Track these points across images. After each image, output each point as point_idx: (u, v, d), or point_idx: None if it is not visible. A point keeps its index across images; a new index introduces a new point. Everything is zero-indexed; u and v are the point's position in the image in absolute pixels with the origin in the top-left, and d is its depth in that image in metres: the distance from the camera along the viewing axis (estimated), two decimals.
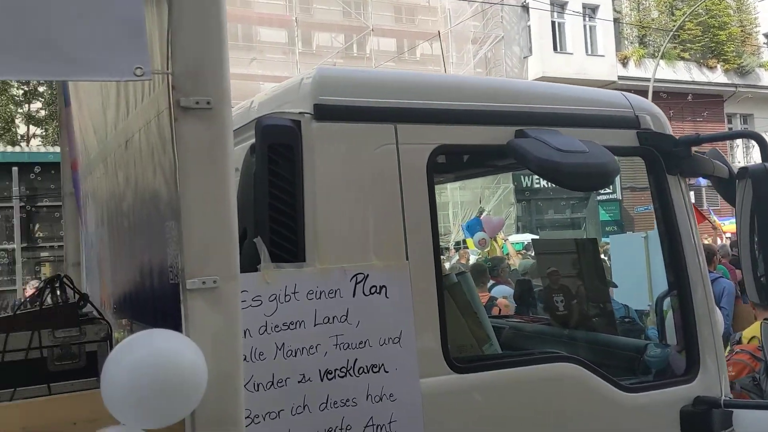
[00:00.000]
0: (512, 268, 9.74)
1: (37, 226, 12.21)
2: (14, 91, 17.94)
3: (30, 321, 2.54)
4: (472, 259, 11.61)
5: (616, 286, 6.00)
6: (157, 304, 2.25)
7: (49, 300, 2.71)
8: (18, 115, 18.20)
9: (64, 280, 2.84)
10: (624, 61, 27.45)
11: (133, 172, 2.48)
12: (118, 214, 2.79)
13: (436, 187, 2.66)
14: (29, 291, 8.35)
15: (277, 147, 2.19)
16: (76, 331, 2.57)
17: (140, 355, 1.46)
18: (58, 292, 2.81)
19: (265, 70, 21.46)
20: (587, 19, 26.88)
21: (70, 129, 4.10)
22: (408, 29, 25.45)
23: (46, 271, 12.12)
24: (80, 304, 2.79)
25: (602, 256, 5.85)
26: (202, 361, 1.55)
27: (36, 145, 16.95)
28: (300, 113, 2.27)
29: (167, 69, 1.73)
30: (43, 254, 12.35)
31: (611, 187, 22.24)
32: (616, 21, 27.44)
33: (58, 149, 14.01)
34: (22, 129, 18.33)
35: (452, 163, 3.53)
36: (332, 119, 2.29)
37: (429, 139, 2.46)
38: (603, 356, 3.26)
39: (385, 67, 21.94)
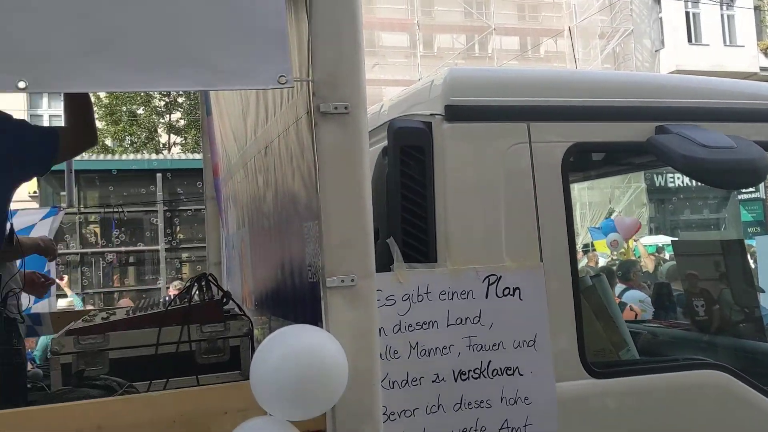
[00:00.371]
0: (643, 271, 9.33)
1: (178, 228, 13.01)
2: (156, 103, 19.22)
3: (179, 316, 2.72)
4: (602, 262, 11.21)
5: (763, 291, 5.61)
6: (296, 302, 2.34)
7: (196, 297, 2.88)
8: (160, 125, 19.48)
9: (209, 278, 3.01)
10: (766, 52, 25.60)
11: (272, 176, 2.59)
12: (259, 216, 2.93)
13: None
14: (172, 291, 8.91)
15: (409, 149, 2.23)
16: (221, 326, 2.72)
17: (288, 349, 1.53)
18: (202, 290, 2.99)
19: (386, 75, 21.80)
20: (725, 8, 25.29)
21: (212, 137, 4.34)
22: (531, 26, 24.99)
23: (186, 271, 12.89)
24: (223, 301, 2.96)
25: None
26: (343, 356, 1.60)
27: (177, 153, 18.06)
28: (431, 115, 2.29)
29: (308, 76, 1.80)
30: (184, 255, 13.13)
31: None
32: (756, 9, 25.64)
33: (197, 156, 14.81)
34: (164, 138, 19.60)
35: (587, 162, 3.44)
36: (463, 120, 2.29)
37: (564, 136, 2.41)
38: (751, 364, 3.06)
39: (508, 65, 21.66)
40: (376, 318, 1.79)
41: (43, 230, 5.31)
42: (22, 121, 2.45)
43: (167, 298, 3.82)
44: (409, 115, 2.35)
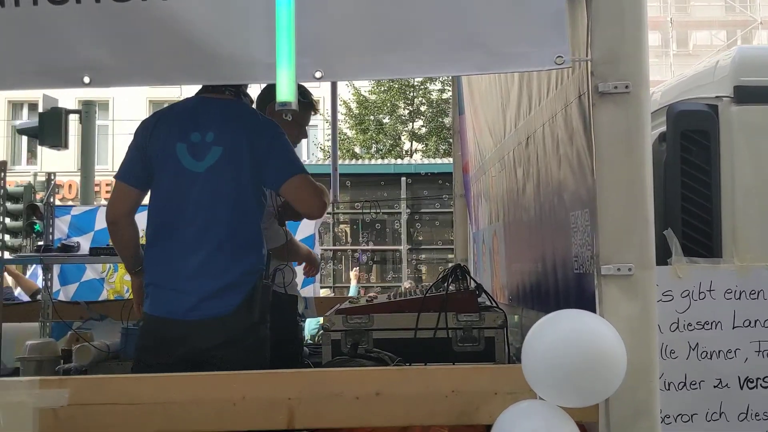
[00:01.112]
0: None
1: (419, 230, 13.50)
2: (401, 111, 20.13)
3: (437, 304, 2.79)
4: None
5: None
6: (557, 294, 2.28)
7: (451, 287, 2.94)
8: (404, 133, 20.37)
9: (463, 268, 3.06)
10: None
11: (533, 167, 2.56)
12: (515, 209, 2.92)
13: None
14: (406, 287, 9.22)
15: (691, 134, 2.07)
16: (477, 316, 2.74)
17: (565, 332, 1.49)
18: (457, 280, 3.04)
19: None
20: None
21: (464, 135, 4.43)
22: None
23: (425, 271, 13.32)
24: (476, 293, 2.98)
25: None
26: (622, 345, 1.52)
27: (418, 159, 18.75)
28: (717, 97, 2.11)
29: (586, 56, 1.75)
30: (423, 256, 13.59)
31: None
32: None
33: (436, 161, 15.18)
34: (406, 145, 20.46)
35: None
36: (756, 102, 2.08)
37: None
38: None
39: None
40: (654, 311, 1.68)
41: (309, 225, 5.77)
42: (284, 137, 2.56)
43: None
44: (691, 99, 2.18)
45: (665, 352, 1.95)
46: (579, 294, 2.04)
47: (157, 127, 2.51)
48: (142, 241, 2.62)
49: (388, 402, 1.62)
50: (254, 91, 2.91)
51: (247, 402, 1.60)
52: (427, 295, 2.83)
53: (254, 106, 2.84)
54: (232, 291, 2.40)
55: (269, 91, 3.09)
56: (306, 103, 3.07)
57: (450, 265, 3.64)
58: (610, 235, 1.68)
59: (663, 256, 2.05)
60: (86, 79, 1.66)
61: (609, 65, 1.71)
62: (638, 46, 1.72)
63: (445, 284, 2.86)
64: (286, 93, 1.59)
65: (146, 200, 2.57)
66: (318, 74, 1.69)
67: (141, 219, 2.59)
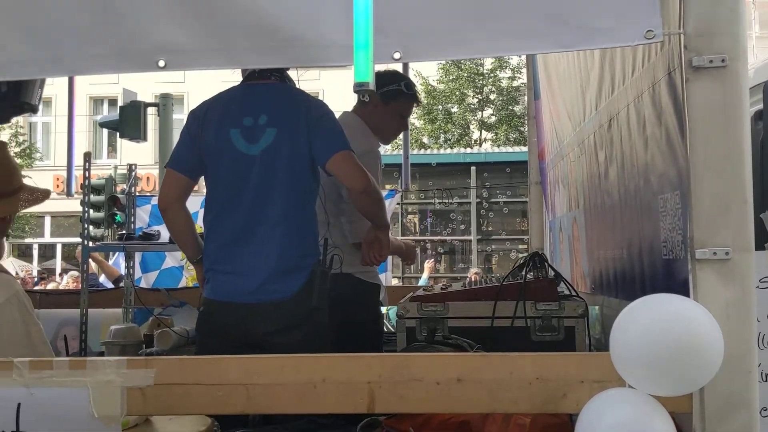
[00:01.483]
0: None
1: (489, 220, 13.35)
2: (470, 100, 19.91)
3: (514, 292, 2.73)
4: None
5: None
6: (645, 281, 2.20)
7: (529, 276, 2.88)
8: (473, 122, 20.16)
9: (541, 256, 2.99)
10: None
11: (617, 149, 2.47)
12: (597, 195, 2.83)
13: None
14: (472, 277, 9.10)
15: None
16: (556, 305, 2.67)
17: (657, 315, 1.42)
18: (535, 268, 2.96)
19: None
20: None
21: (539, 120, 4.33)
22: None
23: (495, 262, 13.17)
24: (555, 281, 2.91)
25: None
26: (719, 332, 1.44)
27: (488, 148, 18.52)
28: None
29: (678, 29, 1.66)
30: (493, 246, 13.44)
31: None
32: None
33: (507, 149, 14.95)
34: (475, 134, 20.26)
35: None
36: None
37: None
38: None
39: None
40: (753, 296, 1.58)
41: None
42: (333, 115, 2.57)
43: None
44: None
45: (762, 342, 1.84)
46: (668, 280, 1.95)
47: (208, 116, 2.54)
48: (201, 230, 2.68)
49: (469, 388, 1.59)
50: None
51: (328, 384, 1.60)
52: (504, 283, 2.78)
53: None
54: (291, 275, 2.42)
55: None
56: (410, 95, 3.08)
57: (524, 254, 3.56)
58: (705, 217, 1.59)
59: (759, 241, 1.93)
60: (161, 63, 1.66)
61: (704, 38, 1.61)
62: (735, 18, 1.62)
63: (523, 272, 2.81)
64: (363, 73, 1.57)
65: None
66: (397, 55, 1.66)
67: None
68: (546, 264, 2.93)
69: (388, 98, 3.07)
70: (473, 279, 3.44)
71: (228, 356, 1.66)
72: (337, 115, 3.15)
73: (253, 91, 2.54)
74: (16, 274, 11.59)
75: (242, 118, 2.47)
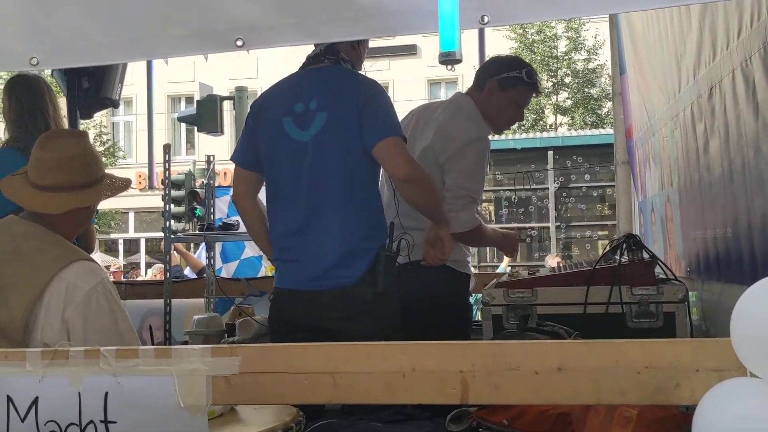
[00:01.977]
0: None
1: (567, 206, 12.99)
2: (544, 84, 19.45)
3: (607, 276, 2.58)
4: None
5: None
6: (755, 262, 2.02)
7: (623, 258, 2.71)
8: (547, 106, 19.69)
9: (635, 238, 2.81)
10: None
11: (720, 120, 2.28)
12: (695, 171, 2.63)
13: None
14: (551, 262, 8.78)
15: None
16: (654, 290, 2.51)
17: None
18: (630, 251, 2.80)
19: None
20: None
21: (626, 97, 4.11)
22: None
23: (577, 249, 12.80)
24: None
25: None
26: None
27: (563, 132, 18.06)
28: None
29: None
30: (573, 233, 13.07)
31: None
32: None
33: (586, 132, 14.44)
34: (550, 119, 19.79)
35: None
36: None
37: None
38: None
39: None
40: None
41: None
42: (385, 97, 2.47)
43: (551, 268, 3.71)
44: None
45: None
46: None
47: (263, 107, 2.54)
48: None
49: (571, 378, 1.47)
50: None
51: (417, 374, 1.51)
52: (597, 267, 2.62)
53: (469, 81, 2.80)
54: (354, 259, 2.37)
55: (489, 66, 2.98)
56: (530, 84, 2.91)
57: (605, 239, 3.38)
58: None
59: None
60: (239, 42, 1.62)
61: None
62: None
63: (617, 255, 2.65)
64: (449, 41, 1.46)
65: None
66: (485, 19, 1.55)
67: None
68: (641, 246, 2.76)
69: (506, 85, 2.89)
70: (559, 264, 3.29)
71: (312, 344, 1.59)
72: (414, 105, 3.04)
73: (306, 76, 2.51)
74: (107, 268, 12.05)
75: (294, 105, 2.44)
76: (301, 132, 2.43)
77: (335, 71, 2.48)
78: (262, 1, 1.62)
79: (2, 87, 3.47)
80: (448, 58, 1.52)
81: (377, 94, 2.44)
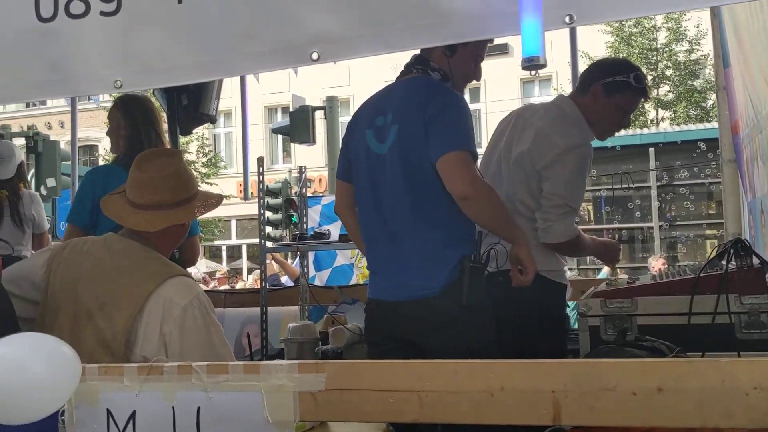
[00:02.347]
0: None
1: (670, 204, 12.41)
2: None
3: (714, 284, 2.43)
4: None
5: None
6: None
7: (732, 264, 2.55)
8: (648, 101, 18.93)
9: (744, 242, 2.63)
10: None
11: None
12: None
13: None
14: (656, 266, 8.37)
15: None
16: (765, 298, 2.35)
17: None
18: (739, 257, 2.62)
19: None
20: None
21: (731, 91, 3.87)
22: None
23: (684, 249, 12.21)
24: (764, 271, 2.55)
25: None
26: None
27: (666, 127, 17.29)
28: None
29: None
30: (677, 233, 12.47)
31: None
32: None
33: (690, 127, 13.79)
34: (651, 114, 19.00)
35: None
36: None
37: None
38: None
39: None
40: None
41: None
42: (459, 109, 2.39)
43: (653, 274, 3.51)
44: None
45: None
46: None
47: (353, 121, 2.60)
48: None
49: (672, 399, 1.38)
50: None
51: (506, 393, 1.46)
52: (702, 274, 2.47)
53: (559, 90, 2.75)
54: (434, 270, 2.34)
55: (594, 69, 2.88)
56: (639, 89, 2.78)
57: (714, 240, 3.17)
58: None
59: None
60: (314, 56, 1.63)
61: None
62: None
63: (724, 261, 2.49)
64: (532, 45, 1.41)
65: None
66: (568, 19, 1.48)
67: None
68: (750, 251, 2.58)
69: (612, 90, 2.75)
70: (662, 270, 3.12)
71: (397, 361, 1.57)
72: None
73: (394, 88, 2.53)
74: (207, 277, 12.51)
75: (376, 117, 2.49)
76: (380, 145, 2.46)
77: (417, 82, 2.46)
78: (337, 13, 1.61)
79: (111, 105, 3.67)
80: (532, 64, 1.46)
81: (448, 106, 2.37)
